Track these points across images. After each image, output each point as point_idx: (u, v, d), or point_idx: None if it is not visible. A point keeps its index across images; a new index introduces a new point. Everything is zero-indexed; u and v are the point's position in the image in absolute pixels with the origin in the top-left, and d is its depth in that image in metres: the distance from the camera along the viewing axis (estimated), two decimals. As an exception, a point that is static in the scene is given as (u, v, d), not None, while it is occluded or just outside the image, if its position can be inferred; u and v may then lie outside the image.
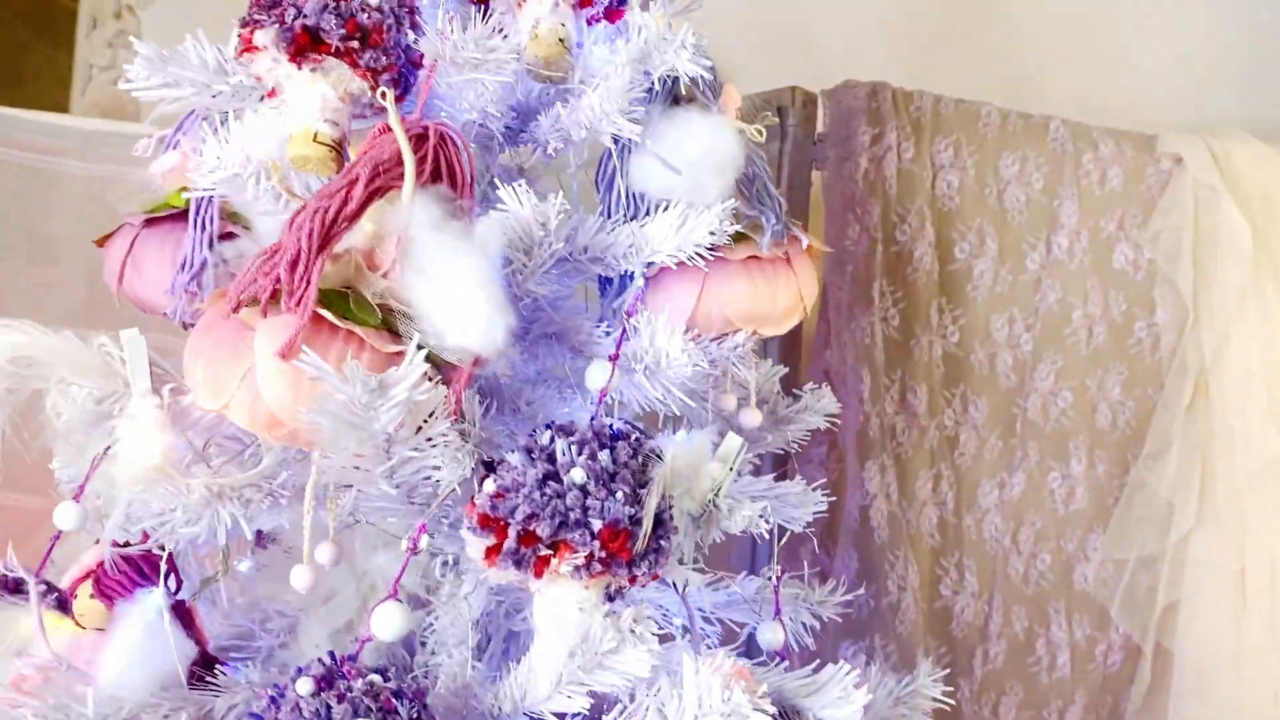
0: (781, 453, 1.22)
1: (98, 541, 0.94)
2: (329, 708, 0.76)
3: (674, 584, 0.97)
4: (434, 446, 0.85)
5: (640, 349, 0.97)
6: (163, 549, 0.91)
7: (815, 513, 1.12)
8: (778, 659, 1.06)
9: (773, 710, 0.80)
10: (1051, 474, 1.89)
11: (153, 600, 0.87)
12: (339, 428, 0.80)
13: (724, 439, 0.96)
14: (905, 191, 1.80)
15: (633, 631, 0.80)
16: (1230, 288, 1.90)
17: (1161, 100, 2.36)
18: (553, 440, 0.86)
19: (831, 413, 1.23)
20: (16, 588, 1.07)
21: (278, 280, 0.82)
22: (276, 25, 0.93)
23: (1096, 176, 1.94)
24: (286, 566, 1.10)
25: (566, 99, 1.04)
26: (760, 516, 0.94)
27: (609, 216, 1.07)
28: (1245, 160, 1.97)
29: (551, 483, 0.83)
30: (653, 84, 0.99)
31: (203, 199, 1.03)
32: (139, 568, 0.90)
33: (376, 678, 0.80)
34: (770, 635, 1.10)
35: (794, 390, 1.25)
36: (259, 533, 1.07)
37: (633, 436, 0.89)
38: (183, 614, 0.90)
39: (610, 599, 0.88)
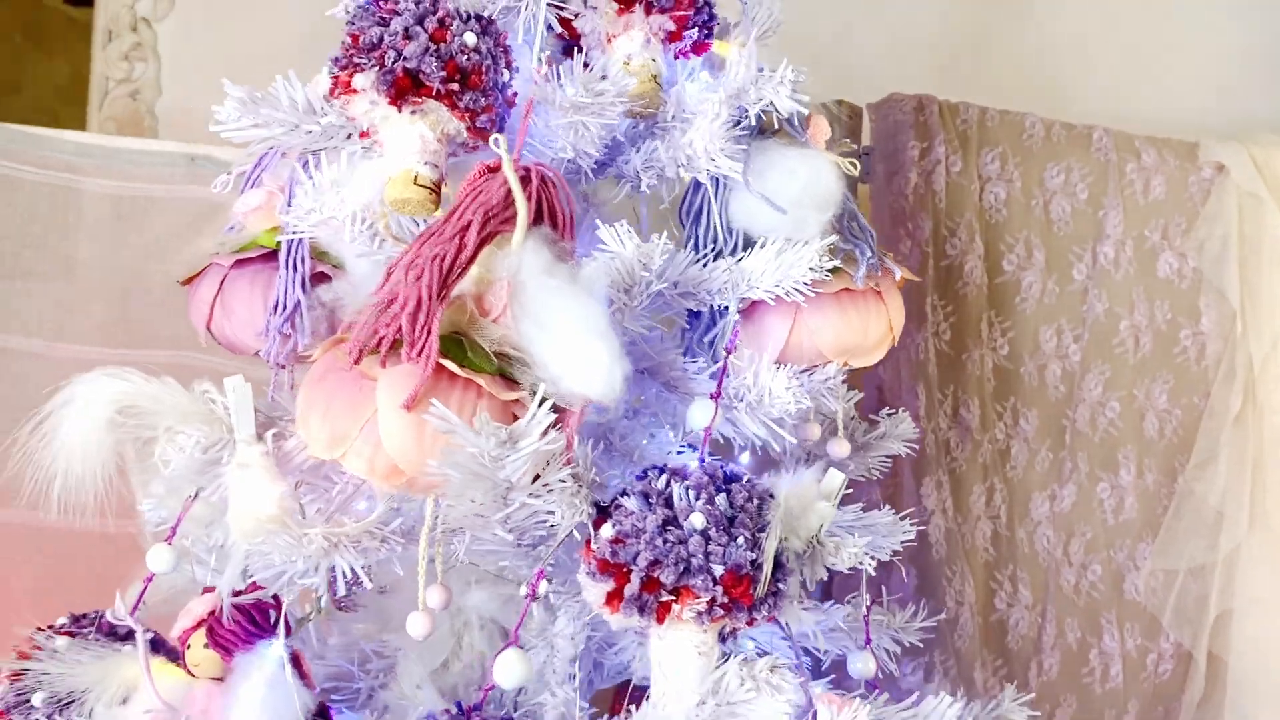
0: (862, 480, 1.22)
1: (204, 590, 0.94)
2: (464, 760, 0.77)
3: (784, 623, 0.98)
4: (550, 492, 0.85)
5: (743, 386, 0.97)
6: (275, 598, 0.91)
7: (904, 542, 1.12)
8: (871, 689, 1.06)
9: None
10: (1100, 484, 1.90)
11: (273, 651, 0.87)
12: (467, 478, 0.80)
13: (825, 474, 0.96)
14: (954, 205, 1.80)
15: (769, 681, 0.80)
16: (1277, 295, 1.91)
17: (1192, 107, 2.36)
18: (668, 484, 0.86)
19: (910, 438, 1.23)
20: (112, 632, 1.07)
21: (399, 330, 0.82)
22: (377, 68, 0.92)
23: (1140, 186, 1.94)
24: (379, 606, 1.10)
25: (654, 133, 1.03)
26: (867, 554, 0.94)
27: (696, 250, 1.06)
28: (1287, 167, 1.98)
29: (672, 528, 0.83)
30: (743, 117, 0.98)
31: (293, 239, 1.03)
32: (251, 617, 0.90)
33: (504, 727, 0.80)
34: (862, 665, 1.10)
35: (870, 416, 1.25)
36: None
37: (745, 479, 0.89)
38: (296, 663, 0.90)
39: (722, 639, 0.88)
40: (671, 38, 1.03)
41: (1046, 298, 1.87)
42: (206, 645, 0.90)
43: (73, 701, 1.01)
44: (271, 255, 1.05)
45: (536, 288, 0.87)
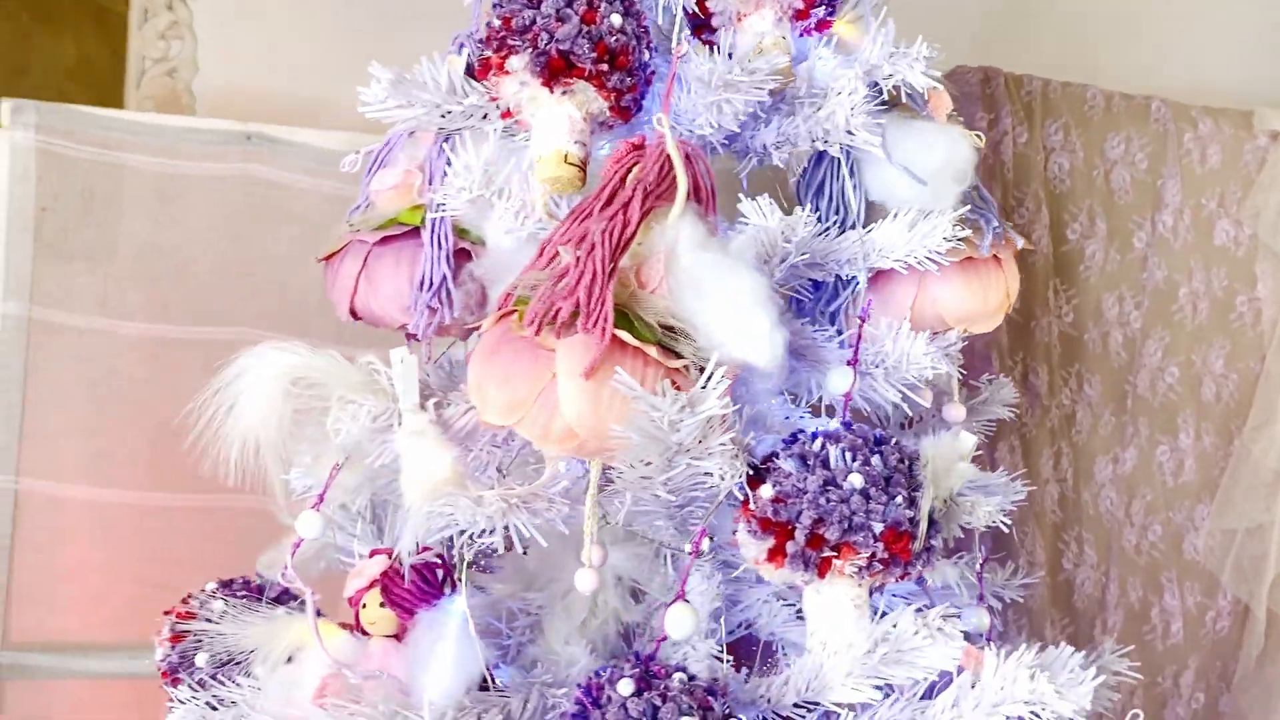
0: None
1: (372, 553, 0.98)
2: (655, 708, 0.81)
3: (924, 578, 1.02)
4: (711, 455, 0.89)
5: (880, 352, 1.01)
6: (441, 559, 0.95)
7: (1015, 501, 1.17)
8: (985, 642, 1.10)
9: (1080, 704, 0.84)
10: (1160, 447, 1.95)
11: (457, 607, 0.92)
12: (645, 442, 0.84)
13: (958, 437, 1.01)
14: (1021, 175, 1.83)
15: (941, 629, 0.85)
16: (1332, 261, 1.95)
17: (1219, 73, 2.37)
18: (824, 447, 0.90)
19: (1011, 402, 1.28)
20: (261, 595, 1.11)
21: (575, 303, 0.86)
22: (530, 50, 0.96)
23: (1197, 155, 1.98)
24: (516, 566, 1.14)
25: (780, 108, 1.07)
26: (1001, 512, 0.99)
27: (820, 222, 1.10)
28: (1341, 135, 2.02)
29: (832, 488, 0.88)
30: (878, 92, 1.02)
31: (437, 217, 1.07)
32: (423, 576, 0.95)
33: (682, 675, 0.85)
34: (976, 620, 1.14)
35: (970, 382, 1.29)
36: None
37: (893, 440, 0.93)
38: (466, 619, 0.94)
39: (870, 594, 0.93)
40: (799, 15, 1.07)
41: (1109, 266, 1.92)
42: (382, 604, 0.94)
43: (232, 662, 1.05)
44: (411, 233, 1.09)
45: (694, 260, 0.90)
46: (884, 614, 0.91)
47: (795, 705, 0.90)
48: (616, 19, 0.97)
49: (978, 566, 1.16)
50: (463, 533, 0.90)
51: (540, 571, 1.11)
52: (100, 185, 2.10)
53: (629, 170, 0.97)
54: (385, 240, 1.09)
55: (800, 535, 0.87)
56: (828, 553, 0.88)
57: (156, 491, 2.11)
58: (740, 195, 1.00)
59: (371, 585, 0.94)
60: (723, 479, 0.90)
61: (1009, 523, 1.04)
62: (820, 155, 1.07)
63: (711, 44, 1.09)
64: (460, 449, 0.94)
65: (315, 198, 2.20)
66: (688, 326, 0.90)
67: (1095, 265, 1.90)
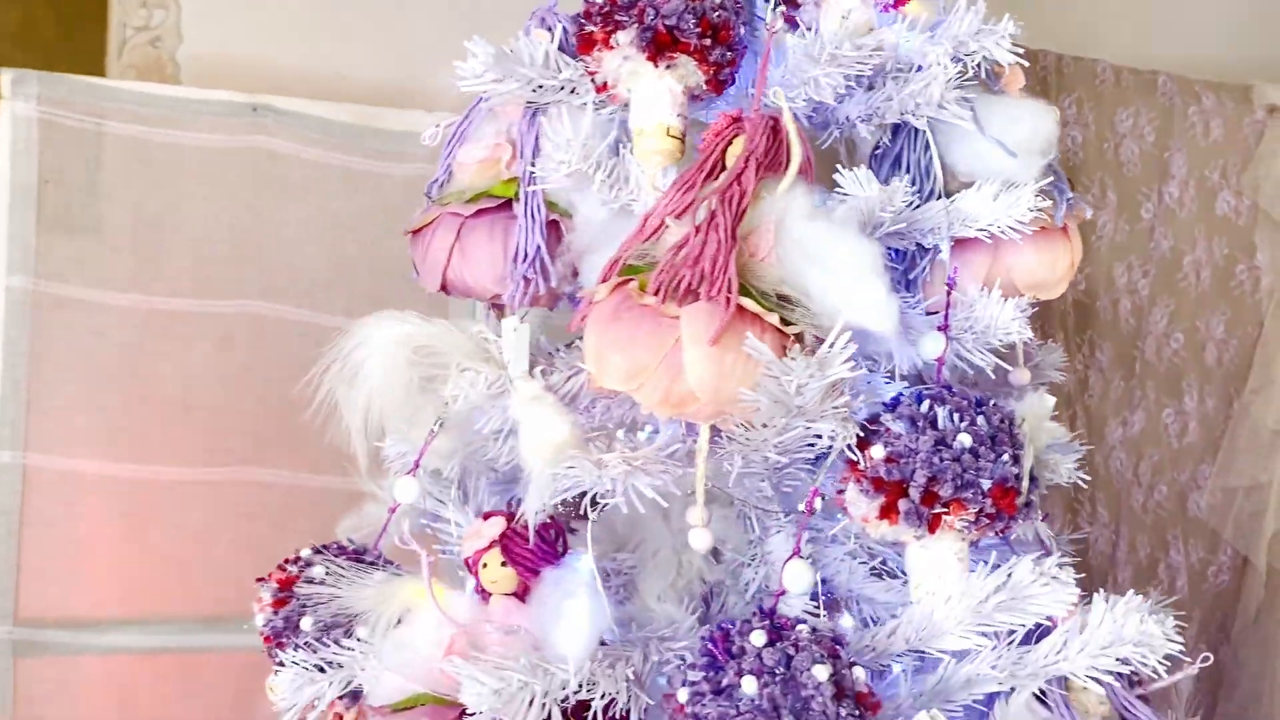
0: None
1: (485, 516, 1.01)
2: (789, 657, 0.85)
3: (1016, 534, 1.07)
4: (825, 417, 0.93)
5: (970, 317, 1.05)
6: (552, 519, 0.98)
7: (1078, 461, 1.22)
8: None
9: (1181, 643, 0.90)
10: (1166, 410, 2.02)
11: (585, 565, 0.95)
12: (771, 406, 0.88)
13: (1042, 399, 1.06)
14: (1038, 148, 1.89)
15: (1056, 576, 0.90)
16: (1328, 230, 2.04)
17: (1216, 49, 2.44)
18: (931, 408, 0.95)
19: (1061, 366, 1.33)
20: (358, 560, 1.13)
21: (700, 271, 0.89)
22: (636, 25, 0.98)
23: (1200, 128, 2.05)
24: (606, 526, 1.17)
25: (862, 82, 1.10)
26: (1078, 469, 1.04)
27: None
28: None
29: (942, 447, 0.92)
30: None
31: (530, 189, 1.09)
32: (542, 537, 0.98)
33: (806, 626, 0.89)
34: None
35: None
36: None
37: (991, 402, 0.98)
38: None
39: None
40: (881, -8, 1.10)
41: (1118, 236, 1.98)
42: (504, 563, 0.97)
43: (336, 626, 1.08)
44: (503, 205, 1.10)
45: (806, 230, 0.94)
46: (995, 566, 0.95)
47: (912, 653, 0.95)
48: (719, -6, 1.00)
49: (1037, 522, 1.21)
50: (584, 494, 0.93)
51: (628, 533, 1.15)
52: (103, 157, 2.07)
53: (729, 143, 1.01)
54: (479, 213, 1.10)
55: (915, 493, 0.91)
56: (939, 509, 0.92)
57: (168, 465, 2.10)
58: (838, 167, 1.03)
59: (491, 546, 0.97)
60: (832, 440, 0.94)
61: (1087, 478, 1.09)
62: (897, 128, 1.10)
63: (792, 20, 1.12)
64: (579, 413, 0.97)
65: (322, 170, 2.19)
66: (799, 294, 0.93)
67: (1106, 235, 1.97)
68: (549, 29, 1.11)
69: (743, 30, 1.04)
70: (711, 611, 1.12)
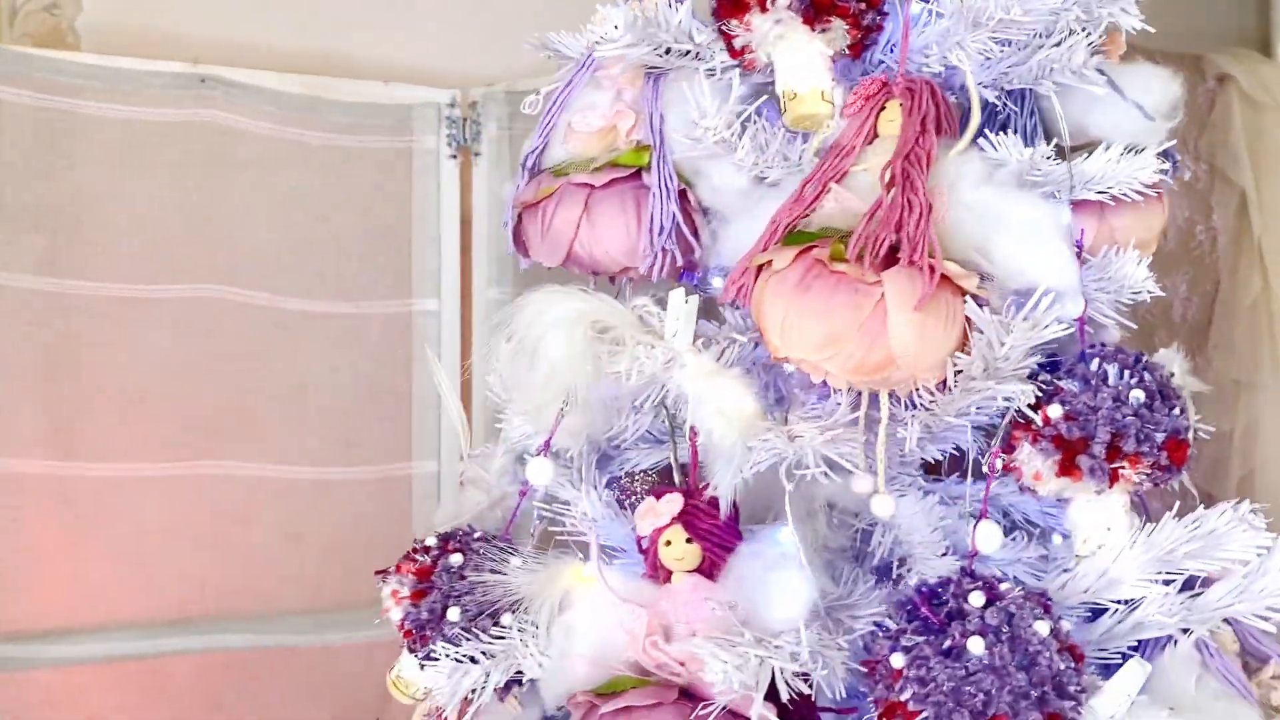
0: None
1: (657, 493, 0.98)
2: (1010, 615, 0.86)
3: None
4: (1007, 379, 0.94)
5: (1104, 276, 1.07)
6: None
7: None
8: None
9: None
10: (1140, 366, 2.13)
11: (785, 537, 0.93)
12: (974, 368, 0.89)
13: (1173, 354, 1.10)
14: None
15: (1249, 521, 0.93)
16: (1277, 190, 2.17)
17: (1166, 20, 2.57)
18: (1101, 367, 0.97)
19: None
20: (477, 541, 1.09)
21: (898, 236, 0.89)
22: (797, -11, 0.97)
23: (1162, 96, 2.15)
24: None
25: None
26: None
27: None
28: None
29: (1121, 404, 0.95)
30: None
31: (662, 159, 1.06)
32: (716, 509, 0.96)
33: (1010, 584, 0.90)
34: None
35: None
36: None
37: (1145, 359, 1.01)
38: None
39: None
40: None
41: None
42: (689, 540, 0.95)
43: (481, 614, 1.04)
44: (632, 175, 1.07)
45: (982, 194, 0.95)
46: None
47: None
48: (870, -43, 0.99)
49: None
50: (779, 466, 0.92)
51: (750, 502, 1.14)
52: (48, 135, 1.93)
53: (883, 107, 1.01)
54: (610, 183, 1.07)
55: (1098, 449, 0.94)
56: (1119, 463, 0.95)
57: (121, 462, 1.98)
58: (985, 132, 1.04)
59: (672, 523, 0.95)
60: (1009, 401, 0.95)
61: (1212, 428, 1.13)
62: (1017, 92, 1.12)
63: None
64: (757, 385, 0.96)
65: (273, 143, 2.09)
66: (980, 256, 0.94)
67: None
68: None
69: (887, -5, 1.04)
70: (846, 577, 1.12)
